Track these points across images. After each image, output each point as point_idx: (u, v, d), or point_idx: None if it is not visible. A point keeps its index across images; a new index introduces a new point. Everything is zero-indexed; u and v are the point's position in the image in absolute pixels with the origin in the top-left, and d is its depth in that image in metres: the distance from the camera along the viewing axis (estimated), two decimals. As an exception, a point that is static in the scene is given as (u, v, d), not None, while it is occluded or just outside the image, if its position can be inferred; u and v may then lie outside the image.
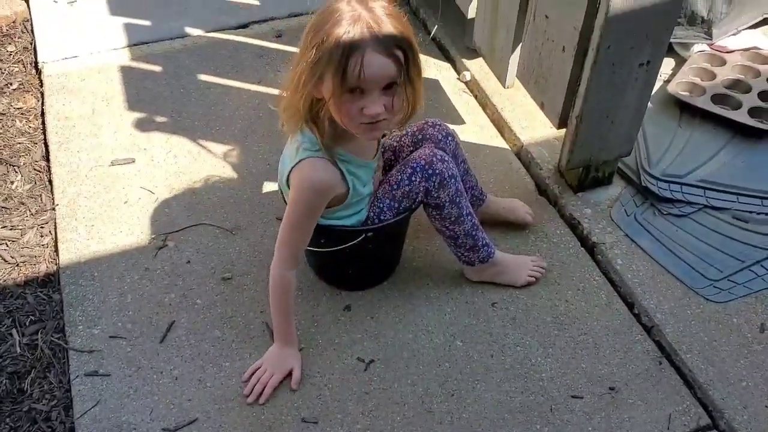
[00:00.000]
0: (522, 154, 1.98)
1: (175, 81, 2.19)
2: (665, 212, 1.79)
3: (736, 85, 2.13)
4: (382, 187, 1.50)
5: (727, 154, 1.94)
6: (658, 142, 1.96)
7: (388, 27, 1.23)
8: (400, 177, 1.47)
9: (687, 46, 2.26)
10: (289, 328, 1.48)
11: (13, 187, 1.88)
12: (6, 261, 1.70)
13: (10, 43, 2.36)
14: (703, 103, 2.05)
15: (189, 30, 2.40)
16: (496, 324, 1.58)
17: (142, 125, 2.04)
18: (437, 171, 1.45)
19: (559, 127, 1.79)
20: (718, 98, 2.08)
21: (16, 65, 2.28)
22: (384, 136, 1.58)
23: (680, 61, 2.24)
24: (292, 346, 1.48)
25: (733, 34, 2.28)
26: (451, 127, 1.64)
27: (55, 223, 1.77)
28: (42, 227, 1.78)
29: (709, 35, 2.22)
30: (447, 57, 2.33)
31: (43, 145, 2.00)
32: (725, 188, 1.84)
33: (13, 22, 2.43)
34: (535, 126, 2.00)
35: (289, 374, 1.45)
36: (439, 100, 2.16)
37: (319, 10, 1.27)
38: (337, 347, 1.52)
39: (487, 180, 1.87)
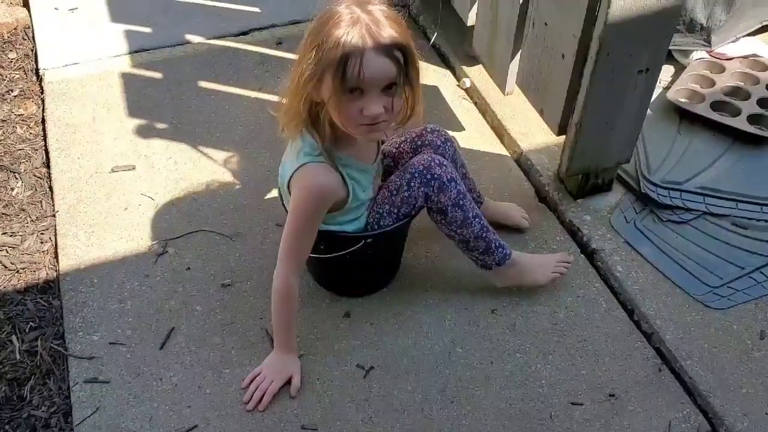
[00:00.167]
0: (522, 161, 1.98)
1: (176, 88, 2.20)
2: (665, 219, 1.79)
3: (735, 92, 2.14)
4: (381, 193, 1.50)
5: (726, 161, 1.95)
6: (657, 149, 1.96)
7: (387, 29, 1.24)
8: (399, 183, 1.47)
9: (686, 54, 2.27)
10: (290, 336, 1.48)
11: (14, 193, 1.88)
12: (6, 267, 1.70)
13: (11, 50, 2.36)
14: (703, 110, 2.06)
15: (189, 37, 2.41)
16: (496, 331, 1.58)
17: (142, 132, 2.04)
18: (436, 175, 1.45)
19: (559, 133, 1.79)
20: (717, 105, 2.08)
21: (17, 72, 2.28)
22: (383, 142, 1.59)
23: (679, 68, 2.25)
24: (291, 353, 1.48)
25: (732, 42, 2.28)
26: (451, 133, 1.65)
27: (56, 229, 1.78)
28: (42, 233, 1.78)
29: (708, 42, 2.22)
30: (447, 64, 2.33)
31: (43, 151, 2.01)
32: (725, 195, 1.84)
33: (15, 29, 2.44)
34: (535, 133, 2.01)
35: (289, 381, 1.45)
36: (439, 107, 2.17)
37: (318, 15, 1.28)
38: (337, 354, 1.52)
39: (486, 186, 1.87)
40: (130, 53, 2.33)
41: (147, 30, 2.43)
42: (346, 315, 1.60)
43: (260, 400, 1.42)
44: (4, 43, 2.39)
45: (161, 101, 2.15)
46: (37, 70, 2.28)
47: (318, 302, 1.61)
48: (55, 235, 1.76)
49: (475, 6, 2.13)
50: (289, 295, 1.43)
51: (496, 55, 2.04)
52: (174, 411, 1.42)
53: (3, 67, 2.29)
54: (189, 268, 1.68)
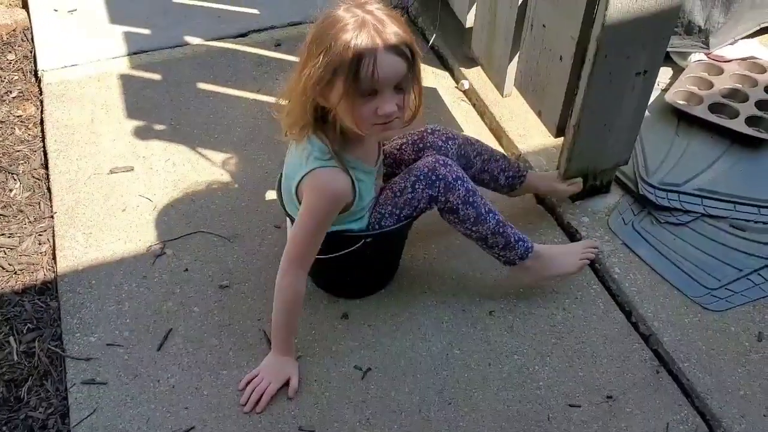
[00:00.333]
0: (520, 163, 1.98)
1: (174, 89, 2.20)
2: (663, 221, 1.80)
3: (733, 94, 2.14)
4: (384, 194, 1.50)
5: (724, 163, 1.95)
6: (655, 150, 1.96)
7: (393, 27, 1.26)
8: (403, 185, 1.48)
9: (684, 56, 2.27)
10: (289, 339, 1.48)
11: (12, 194, 1.88)
12: (4, 268, 1.70)
13: (10, 52, 2.36)
14: (701, 112, 2.06)
15: (188, 39, 2.41)
16: (494, 332, 1.58)
17: (141, 133, 2.05)
18: (441, 176, 1.46)
19: (557, 135, 1.80)
20: (715, 107, 2.08)
21: (15, 73, 2.28)
22: (384, 143, 1.59)
23: (678, 71, 2.25)
24: (289, 355, 1.48)
25: (730, 44, 2.28)
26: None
27: (54, 230, 1.78)
28: (40, 235, 1.78)
29: (706, 45, 2.23)
30: (445, 66, 2.34)
31: (42, 152, 2.01)
32: (723, 197, 1.84)
33: (13, 30, 2.44)
34: (533, 134, 2.01)
35: (286, 383, 1.45)
36: (438, 108, 2.17)
37: (318, 20, 1.28)
38: (335, 355, 1.52)
39: (485, 189, 1.87)
40: (128, 55, 2.33)
41: (146, 31, 2.43)
42: (343, 316, 1.60)
43: (257, 402, 1.42)
44: (3, 44, 2.39)
45: (160, 103, 2.15)
46: (35, 71, 2.28)
47: (316, 303, 1.61)
48: (53, 236, 1.76)
49: (474, 8, 2.13)
50: (296, 299, 1.43)
51: (494, 57, 2.04)
52: (171, 412, 1.42)
53: (2, 69, 2.29)
54: (187, 270, 1.68)
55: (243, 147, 2.01)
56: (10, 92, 2.21)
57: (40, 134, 2.07)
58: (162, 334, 1.55)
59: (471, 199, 1.48)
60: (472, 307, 1.62)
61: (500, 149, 2.04)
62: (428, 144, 1.60)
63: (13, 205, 1.85)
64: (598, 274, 1.70)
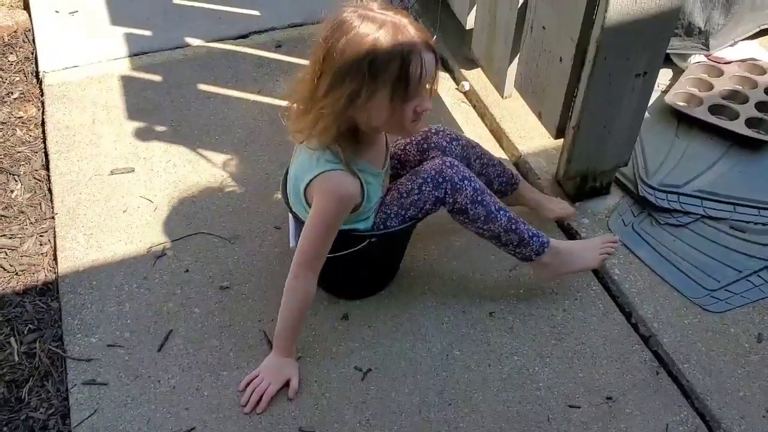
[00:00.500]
0: (520, 164, 1.98)
1: (175, 91, 2.21)
2: (663, 222, 1.80)
3: (733, 95, 2.14)
4: (390, 194, 1.50)
5: (724, 165, 1.95)
6: (655, 152, 1.97)
7: (414, 25, 1.29)
8: (410, 186, 1.48)
9: (684, 57, 2.27)
10: (292, 341, 1.48)
11: (13, 195, 1.89)
12: (5, 269, 1.70)
13: (11, 53, 2.37)
14: (701, 113, 2.06)
15: (189, 40, 2.41)
16: (494, 333, 1.58)
17: (141, 135, 2.05)
18: (447, 177, 1.46)
19: (557, 137, 1.80)
20: (715, 109, 2.09)
21: (17, 75, 2.29)
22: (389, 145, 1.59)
23: (678, 72, 2.26)
24: (290, 355, 1.48)
25: (730, 46, 2.29)
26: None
27: (55, 231, 1.78)
28: (41, 236, 1.78)
29: (706, 46, 2.23)
30: (446, 67, 2.34)
31: (43, 154, 2.01)
32: (722, 198, 1.85)
33: (15, 31, 2.44)
34: (533, 136, 2.01)
35: (287, 384, 1.45)
36: (438, 110, 2.17)
37: (330, 32, 1.26)
38: (335, 356, 1.53)
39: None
40: (129, 56, 2.33)
41: (146, 33, 2.43)
42: (344, 317, 1.60)
43: (258, 403, 1.42)
44: (5, 45, 2.40)
45: (161, 104, 2.15)
46: (37, 72, 2.28)
47: (316, 304, 1.61)
48: (54, 237, 1.77)
49: (474, 9, 2.14)
50: (306, 301, 1.44)
51: (494, 59, 2.05)
52: (171, 413, 1.42)
53: (3, 70, 2.30)
54: (187, 271, 1.69)
55: (243, 148, 2.02)
56: (12, 93, 2.21)
57: (41, 135, 2.07)
58: (162, 335, 1.55)
59: (479, 198, 1.48)
60: (472, 308, 1.63)
61: (501, 150, 2.05)
62: (432, 144, 1.60)
63: (15, 206, 1.86)
64: (598, 276, 1.70)
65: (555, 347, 1.55)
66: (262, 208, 1.84)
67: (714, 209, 1.83)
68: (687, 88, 2.16)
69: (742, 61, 2.26)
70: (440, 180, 1.46)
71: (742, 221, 1.81)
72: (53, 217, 1.81)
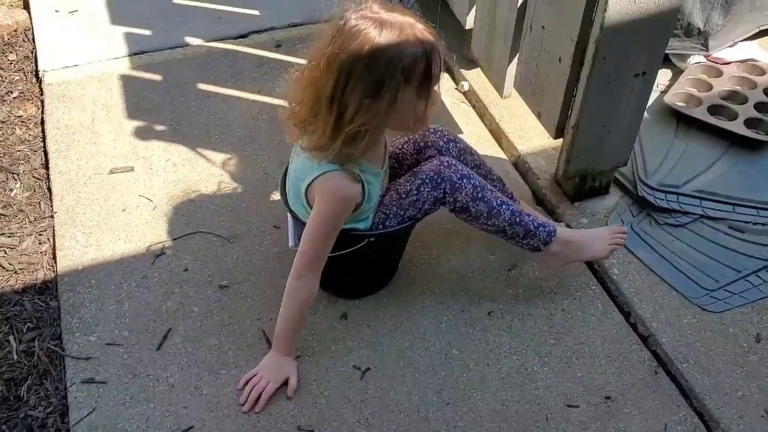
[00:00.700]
0: (519, 164, 1.98)
1: (175, 90, 2.21)
2: (662, 222, 1.80)
3: (732, 96, 2.14)
4: (389, 195, 1.51)
5: (723, 165, 1.95)
6: (654, 152, 1.97)
7: (418, 19, 1.30)
8: (409, 187, 1.48)
9: (684, 58, 2.28)
10: (292, 341, 1.48)
11: (12, 194, 1.89)
12: (4, 268, 1.70)
13: (11, 52, 2.37)
14: (700, 113, 2.07)
15: (189, 39, 2.41)
16: (493, 333, 1.58)
17: (141, 134, 2.05)
18: (445, 177, 1.46)
19: (556, 137, 1.80)
20: (714, 109, 2.09)
21: (16, 74, 2.29)
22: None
23: (677, 72, 2.26)
24: (289, 354, 1.48)
25: (730, 46, 2.29)
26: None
27: (54, 230, 1.78)
28: (40, 234, 1.78)
29: (705, 47, 2.23)
30: (445, 67, 2.34)
31: (42, 152, 2.01)
32: (721, 198, 1.85)
33: (15, 30, 2.44)
34: (533, 136, 2.01)
35: (285, 382, 1.45)
36: (437, 110, 2.16)
37: (345, 43, 1.24)
38: (334, 355, 1.53)
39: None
40: (129, 55, 2.33)
41: (146, 32, 2.43)
42: (343, 316, 1.60)
43: (256, 401, 1.42)
44: (4, 44, 2.40)
45: (160, 103, 2.15)
46: (36, 71, 2.28)
47: (315, 303, 1.61)
48: (54, 236, 1.77)
49: (474, 9, 2.14)
50: (308, 301, 1.44)
51: (494, 58, 2.05)
52: (170, 412, 1.42)
53: (3, 69, 2.30)
54: (186, 270, 1.69)
55: (243, 147, 2.02)
56: (11, 92, 2.21)
57: (40, 134, 2.07)
58: (161, 333, 1.55)
59: (480, 195, 1.48)
60: (471, 308, 1.63)
61: (500, 150, 2.05)
62: (429, 143, 1.60)
63: (14, 204, 1.86)
64: (597, 275, 1.70)
65: (554, 347, 1.55)
66: (262, 208, 1.84)
67: (713, 209, 1.83)
68: (686, 89, 2.16)
69: (742, 61, 2.26)
70: (438, 180, 1.46)
71: (741, 221, 1.81)
72: (52, 216, 1.82)
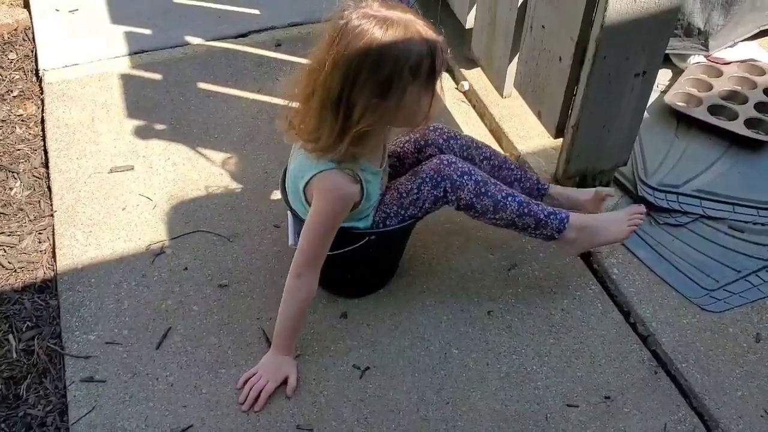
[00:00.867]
0: (519, 164, 1.98)
1: (175, 89, 2.21)
2: (662, 222, 1.80)
3: (732, 96, 2.14)
4: (389, 194, 1.50)
5: (723, 165, 1.95)
6: (654, 152, 1.97)
7: (421, 18, 1.29)
8: (409, 186, 1.48)
9: (684, 58, 2.28)
10: (292, 340, 1.48)
11: (12, 193, 1.89)
12: (4, 266, 1.70)
13: (11, 51, 2.37)
14: (700, 113, 2.07)
15: (189, 39, 2.41)
16: (492, 332, 1.58)
17: (141, 133, 2.05)
18: (446, 176, 1.46)
19: (556, 136, 1.80)
20: (714, 109, 2.09)
21: (17, 73, 2.29)
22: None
23: (677, 72, 2.26)
24: (288, 353, 1.48)
25: (730, 46, 2.29)
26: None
27: (53, 229, 1.78)
28: (40, 233, 1.78)
29: (705, 47, 2.23)
30: (446, 65, 2.34)
31: (42, 151, 2.01)
32: (721, 198, 1.85)
33: (15, 29, 2.44)
34: (533, 135, 2.01)
35: (285, 382, 1.45)
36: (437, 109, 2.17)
37: (348, 43, 1.23)
38: (333, 354, 1.53)
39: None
40: (129, 54, 2.33)
41: (147, 32, 2.43)
42: (342, 315, 1.60)
43: (256, 400, 1.42)
44: (5, 43, 2.40)
45: (160, 102, 2.15)
46: (36, 70, 2.28)
47: (315, 302, 1.61)
48: (53, 234, 1.77)
49: (474, 9, 2.14)
50: (307, 300, 1.44)
51: (494, 58, 2.05)
52: (170, 410, 1.42)
53: (3, 68, 2.30)
54: (186, 269, 1.69)
55: (243, 147, 2.02)
56: (11, 91, 2.21)
57: (40, 133, 2.07)
58: (161, 332, 1.55)
59: (483, 190, 1.47)
60: (470, 307, 1.63)
61: (500, 150, 2.04)
62: (430, 141, 1.60)
63: (14, 203, 1.86)
64: (597, 275, 1.70)
65: (553, 346, 1.55)
66: (261, 207, 1.84)
67: (713, 209, 1.83)
68: (686, 89, 2.17)
69: (742, 61, 2.27)
70: (439, 179, 1.46)
71: (741, 221, 1.81)
72: (52, 215, 1.81)
